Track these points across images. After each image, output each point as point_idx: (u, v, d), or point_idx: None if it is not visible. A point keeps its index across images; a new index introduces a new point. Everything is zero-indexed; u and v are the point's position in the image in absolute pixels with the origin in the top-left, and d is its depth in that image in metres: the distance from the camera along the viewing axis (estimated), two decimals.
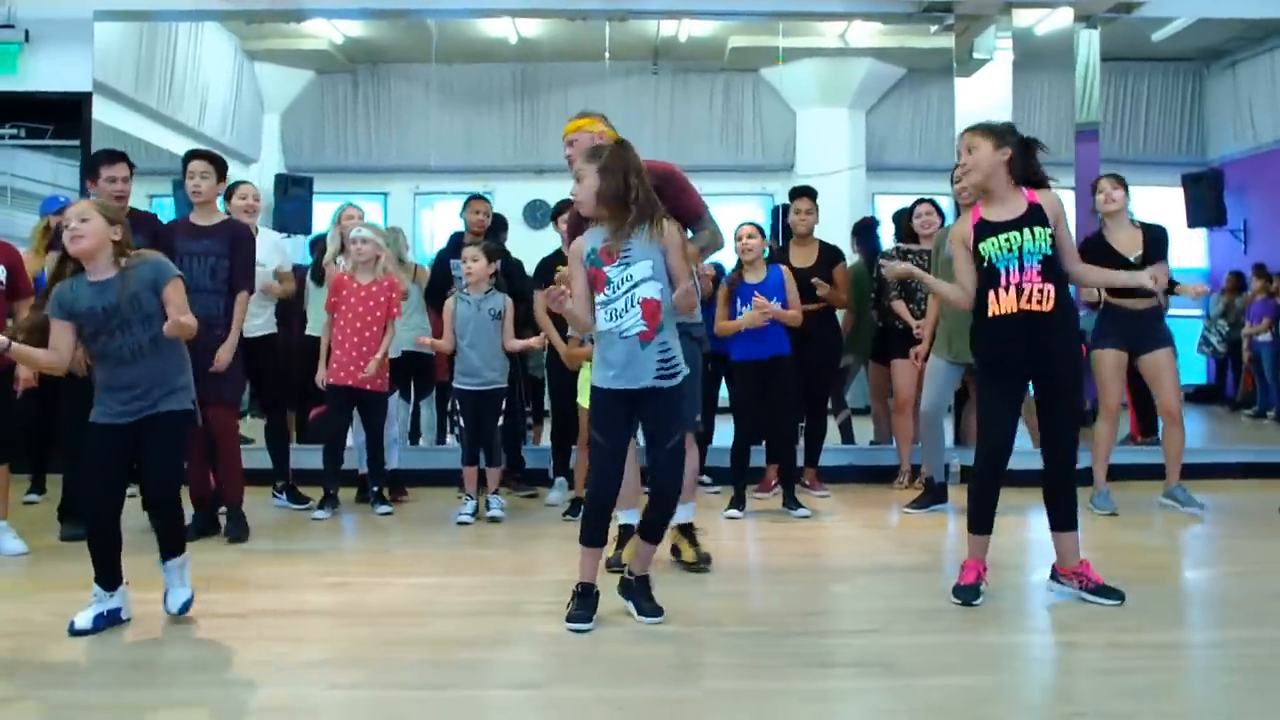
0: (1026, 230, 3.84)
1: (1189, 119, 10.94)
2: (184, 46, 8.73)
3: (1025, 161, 3.94)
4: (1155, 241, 5.70)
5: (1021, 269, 3.83)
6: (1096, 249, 5.54)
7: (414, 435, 7.27)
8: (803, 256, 6.43)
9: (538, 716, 2.96)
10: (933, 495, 5.89)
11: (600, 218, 3.70)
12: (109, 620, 3.71)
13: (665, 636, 3.62)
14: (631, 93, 10.26)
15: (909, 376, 6.41)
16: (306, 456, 6.12)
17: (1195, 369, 10.96)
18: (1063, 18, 6.97)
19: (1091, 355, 5.84)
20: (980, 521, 4.03)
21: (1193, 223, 9.46)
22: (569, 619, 3.69)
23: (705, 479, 6.46)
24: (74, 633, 3.62)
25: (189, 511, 5.18)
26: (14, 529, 4.91)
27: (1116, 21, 7.33)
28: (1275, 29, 8.80)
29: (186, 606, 3.74)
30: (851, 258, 7.27)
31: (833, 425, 7.29)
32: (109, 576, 3.71)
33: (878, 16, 7.52)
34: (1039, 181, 3.98)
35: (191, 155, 5.43)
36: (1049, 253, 3.84)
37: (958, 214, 5.90)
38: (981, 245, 3.90)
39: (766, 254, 6.17)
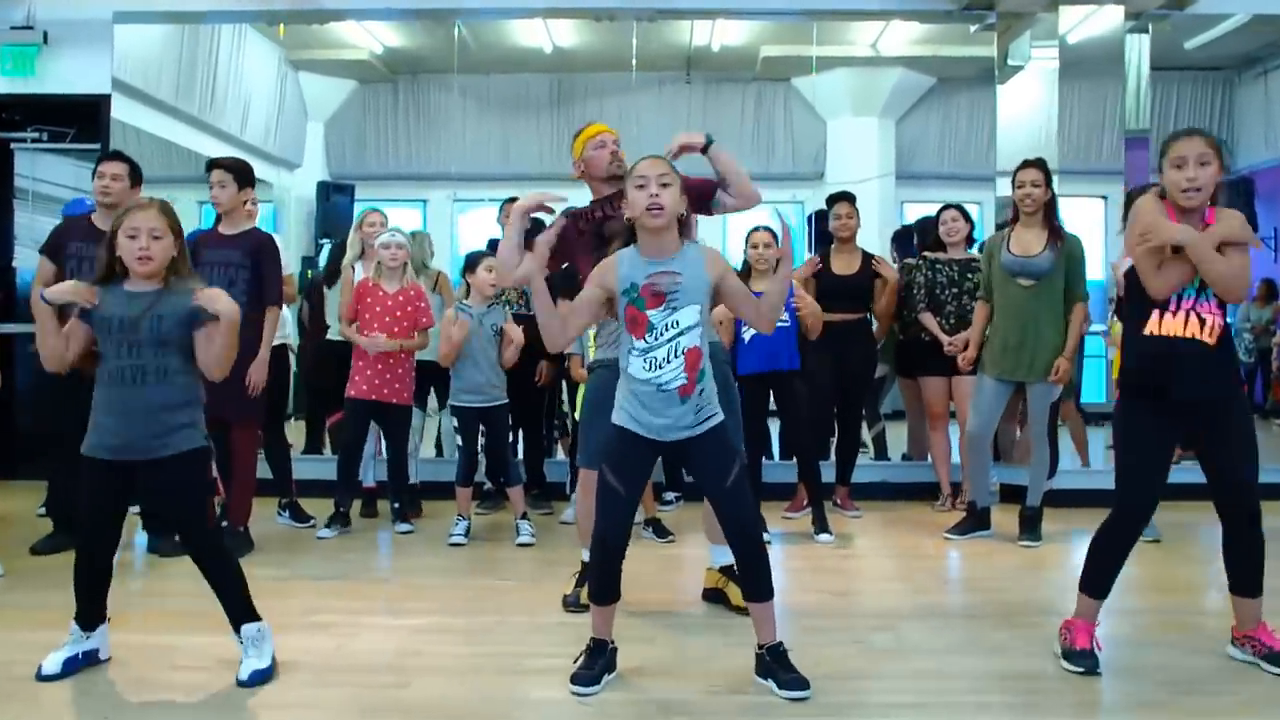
0: None
1: (1219, 127, 10.11)
2: (226, 55, 8.12)
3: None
4: None
5: (1196, 297, 3.07)
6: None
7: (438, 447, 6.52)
8: (844, 264, 5.64)
9: None
10: (975, 520, 5.05)
11: (656, 232, 2.93)
12: (84, 662, 3.05)
13: (673, 708, 2.84)
14: (665, 102, 9.68)
15: (940, 391, 5.68)
16: (309, 468, 5.39)
17: None
18: (1110, 18, 6.06)
19: None
20: (1097, 586, 3.20)
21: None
22: (573, 679, 2.97)
23: (669, 495, 5.74)
24: (41, 678, 2.95)
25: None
26: None
27: (1147, 30, 6.46)
28: None
29: (256, 678, 2.97)
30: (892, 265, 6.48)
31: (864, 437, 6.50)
32: (91, 614, 3.06)
33: (917, 15, 6.61)
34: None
35: (211, 164, 4.77)
36: None
37: (1013, 218, 5.03)
38: None
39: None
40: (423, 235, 5.85)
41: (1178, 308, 3.09)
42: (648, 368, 2.91)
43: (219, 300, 2.93)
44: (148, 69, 6.81)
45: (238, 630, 3.04)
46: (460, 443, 5.05)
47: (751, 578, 3.01)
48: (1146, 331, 3.12)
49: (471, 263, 5.08)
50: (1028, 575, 4.36)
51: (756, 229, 5.12)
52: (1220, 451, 3.12)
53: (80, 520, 3.08)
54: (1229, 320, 3.18)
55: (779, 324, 4.87)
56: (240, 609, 3.05)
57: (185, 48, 7.47)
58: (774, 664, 2.96)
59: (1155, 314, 3.11)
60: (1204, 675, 3.10)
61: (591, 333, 4.43)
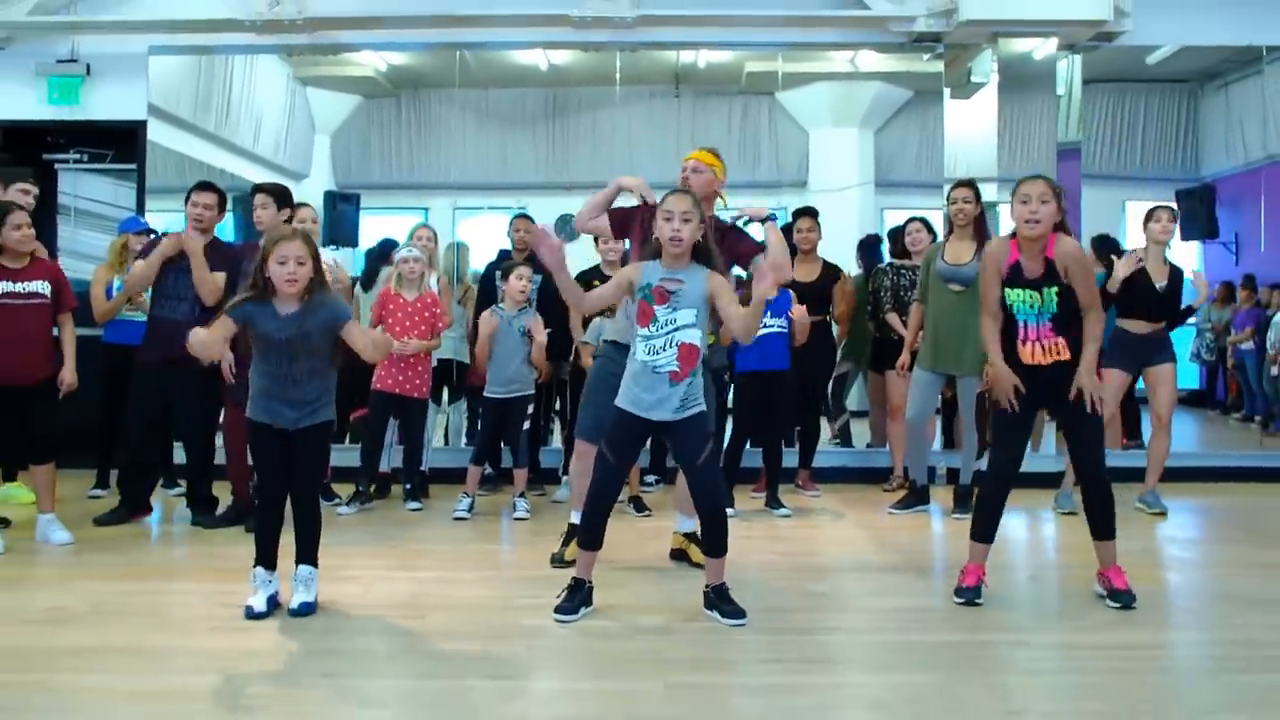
0: (1044, 290, 3.89)
1: (1183, 137, 10.76)
2: (240, 74, 8.84)
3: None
4: (1177, 281, 5.80)
5: (1038, 324, 3.92)
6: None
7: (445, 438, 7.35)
8: (805, 272, 6.43)
9: (503, 706, 2.98)
10: (916, 497, 5.87)
11: (675, 255, 3.75)
12: (275, 601, 3.83)
13: (639, 633, 3.64)
14: (655, 115, 10.27)
15: (901, 386, 6.40)
16: (341, 455, 6.18)
17: (1188, 375, 10.82)
18: (1047, 46, 6.90)
19: (1100, 372, 5.81)
20: (984, 531, 4.05)
21: (1186, 236, 9.27)
22: (556, 609, 3.77)
23: (650, 478, 6.51)
24: (253, 615, 3.73)
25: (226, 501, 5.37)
26: (61, 520, 5.03)
27: (1102, 49, 7.25)
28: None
29: (304, 609, 3.78)
30: (856, 270, 7.28)
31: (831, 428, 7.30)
32: (272, 556, 3.85)
33: (873, 47, 7.50)
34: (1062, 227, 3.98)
35: (255, 190, 5.65)
36: (1056, 311, 3.90)
37: (949, 230, 5.85)
38: (1008, 291, 3.96)
39: None
40: (464, 248, 6.67)
41: (1025, 337, 3.93)
42: (648, 352, 3.73)
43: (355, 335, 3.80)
44: (168, 89, 7.54)
45: (297, 567, 3.85)
46: (480, 426, 5.86)
47: (711, 538, 3.83)
48: (1020, 359, 3.96)
49: (505, 271, 5.92)
50: (951, 541, 5.17)
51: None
52: (1076, 433, 4.02)
53: (258, 474, 3.88)
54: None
55: (776, 329, 5.79)
56: (309, 551, 3.87)
57: (203, 69, 8.18)
58: (717, 598, 3.78)
59: (1018, 343, 3.96)
60: (1073, 609, 3.92)
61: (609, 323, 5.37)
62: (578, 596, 3.82)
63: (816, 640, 3.59)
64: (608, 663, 3.33)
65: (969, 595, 3.93)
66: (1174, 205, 5.92)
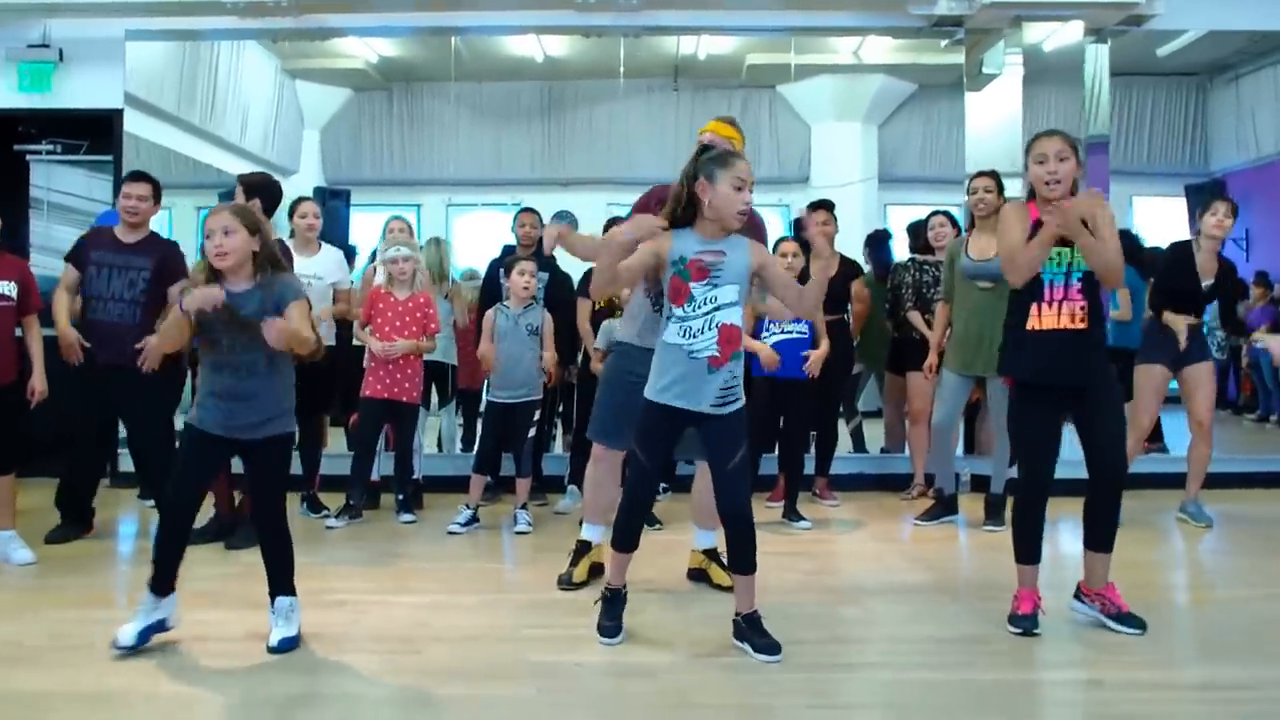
0: (1075, 248, 3.46)
1: (1193, 131, 10.50)
2: (225, 66, 8.46)
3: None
4: (1226, 275, 5.37)
5: (1066, 285, 3.47)
6: (1182, 261, 5.27)
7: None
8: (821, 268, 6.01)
9: None
10: (943, 507, 5.47)
11: (718, 224, 3.31)
12: (155, 631, 3.39)
13: (661, 670, 3.23)
14: (654, 108, 9.96)
15: (923, 389, 6.00)
16: (328, 464, 5.77)
17: None
18: (1072, 32, 6.50)
19: (1137, 369, 5.43)
20: (1027, 552, 3.62)
21: (1195, 231, 8.98)
22: (599, 630, 3.45)
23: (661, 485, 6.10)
24: (119, 649, 3.29)
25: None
26: (22, 538, 4.61)
27: (1123, 36, 6.87)
28: (1277, 43, 8.31)
29: (285, 644, 3.36)
30: (864, 268, 6.88)
31: (844, 431, 6.90)
32: (165, 582, 3.39)
33: (889, 31, 7.08)
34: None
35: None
36: (1088, 269, 3.46)
37: (970, 224, 5.49)
38: None
39: None
40: (444, 243, 6.27)
41: (1051, 298, 3.48)
42: (682, 335, 3.29)
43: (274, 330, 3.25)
44: (151, 80, 7.14)
45: (274, 600, 3.42)
46: (483, 433, 5.47)
47: (738, 552, 3.40)
48: (1029, 328, 3.51)
49: (507, 266, 5.51)
50: (984, 556, 4.77)
51: (784, 238, 5.57)
52: (1096, 429, 3.55)
53: (170, 486, 3.40)
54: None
55: (796, 335, 5.38)
56: (283, 582, 3.44)
57: (187, 59, 7.79)
58: (749, 630, 3.36)
59: (1033, 308, 3.49)
60: (1141, 640, 3.50)
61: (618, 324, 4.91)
62: (617, 610, 3.46)
63: (861, 679, 3.19)
64: (630, 709, 2.92)
65: (1026, 625, 3.53)
66: (1230, 199, 5.42)
